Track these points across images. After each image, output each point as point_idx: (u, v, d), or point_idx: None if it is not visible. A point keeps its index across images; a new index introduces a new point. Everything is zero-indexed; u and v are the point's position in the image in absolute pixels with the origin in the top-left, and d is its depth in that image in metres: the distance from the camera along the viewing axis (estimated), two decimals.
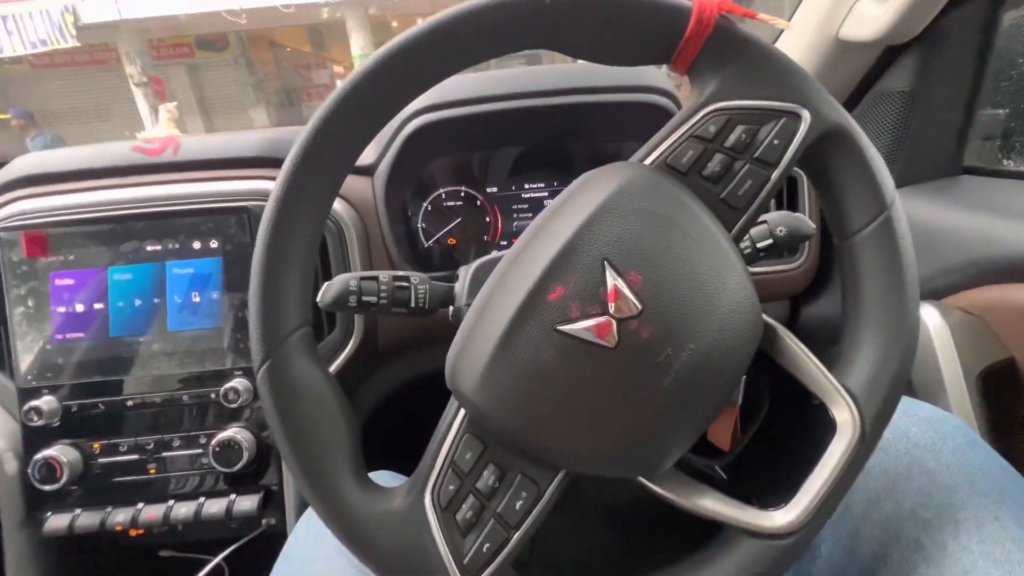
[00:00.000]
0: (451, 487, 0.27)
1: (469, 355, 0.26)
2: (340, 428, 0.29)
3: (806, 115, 0.28)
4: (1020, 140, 0.64)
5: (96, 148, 0.60)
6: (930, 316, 0.49)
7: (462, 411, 0.28)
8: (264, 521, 0.58)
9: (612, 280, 0.25)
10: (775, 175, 0.28)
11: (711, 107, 0.28)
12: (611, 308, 0.25)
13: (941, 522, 0.31)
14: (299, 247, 0.28)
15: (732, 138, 0.28)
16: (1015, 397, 0.47)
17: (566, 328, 0.25)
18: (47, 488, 0.53)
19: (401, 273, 0.36)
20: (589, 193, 0.27)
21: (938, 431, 0.36)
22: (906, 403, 0.38)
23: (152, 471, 0.56)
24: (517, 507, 0.27)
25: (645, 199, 0.26)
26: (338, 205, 0.59)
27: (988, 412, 0.48)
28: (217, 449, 0.54)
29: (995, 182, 0.60)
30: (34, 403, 0.53)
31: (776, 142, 0.28)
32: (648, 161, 0.28)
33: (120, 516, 0.54)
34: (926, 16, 0.52)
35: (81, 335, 0.55)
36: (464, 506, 0.27)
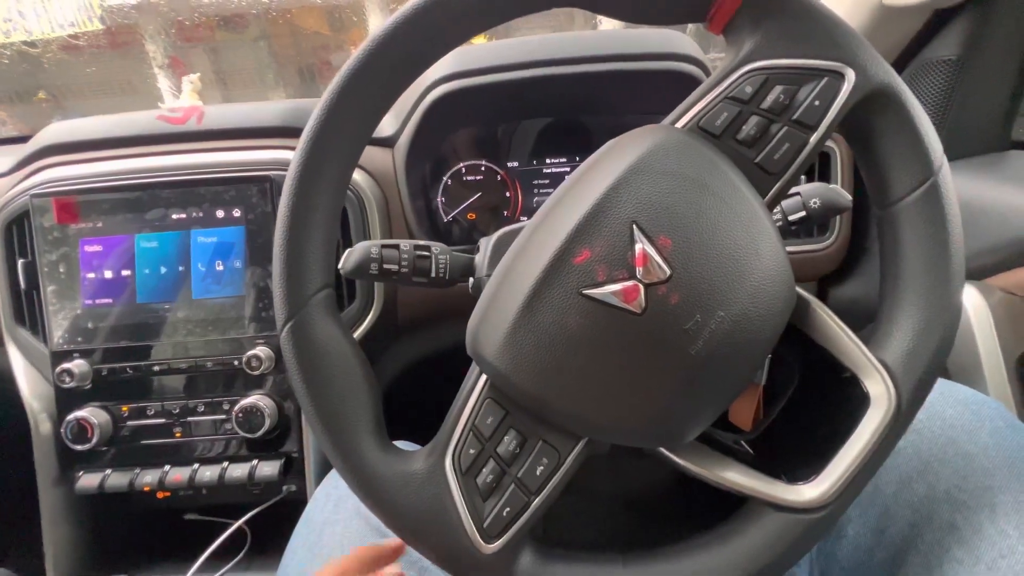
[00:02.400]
0: (472, 451, 0.27)
1: (491, 320, 0.26)
2: (362, 388, 0.29)
3: (850, 74, 0.26)
4: None
5: (122, 117, 0.61)
6: (970, 296, 0.47)
7: (483, 377, 0.27)
8: (285, 487, 0.60)
9: (640, 243, 0.24)
10: (814, 138, 0.26)
11: (748, 67, 0.27)
12: (639, 272, 0.24)
13: (978, 504, 0.30)
14: (322, 208, 0.28)
15: (770, 99, 0.26)
16: None
17: (592, 292, 0.24)
18: (79, 448, 0.55)
19: (422, 242, 0.36)
20: (618, 156, 0.26)
21: (976, 413, 0.34)
22: (942, 385, 0.37)
23: (178, 435, 0.58)
24: (538, 473, 0.26)
25: (676, 161, 0.25)
26: (359, 176, 0.58)
27: None
28: (240, 415, 0.55)
29: None
30: (66, 366, 0.55)
31: (817, 103, 0.26)
32: (680, 124, 0.27)
33: (148, 477, 0.56)
34: None
35: (110, 301, 0.56)
36: (485, 470, 0.27)
